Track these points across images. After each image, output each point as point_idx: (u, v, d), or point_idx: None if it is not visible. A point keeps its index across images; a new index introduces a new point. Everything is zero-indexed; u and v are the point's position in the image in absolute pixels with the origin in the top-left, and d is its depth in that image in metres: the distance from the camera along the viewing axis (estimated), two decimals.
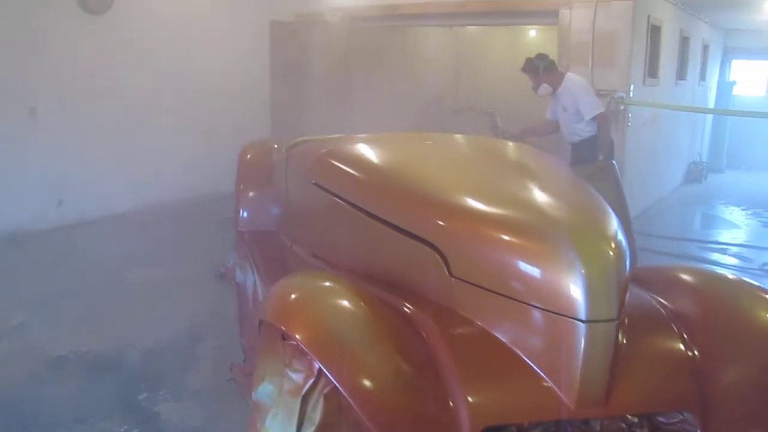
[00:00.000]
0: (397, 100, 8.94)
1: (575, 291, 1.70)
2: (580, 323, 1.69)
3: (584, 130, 4.91)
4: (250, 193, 4.58)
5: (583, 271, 1.70)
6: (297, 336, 1.70)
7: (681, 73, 8.46)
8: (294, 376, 1.70)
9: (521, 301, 1.80)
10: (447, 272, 1.97)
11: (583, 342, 1.69)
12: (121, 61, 6.22)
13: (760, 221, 7.28)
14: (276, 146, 4.87)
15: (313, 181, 2.93)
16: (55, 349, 3.40)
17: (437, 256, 1.99)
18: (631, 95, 6.32)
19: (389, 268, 2.23)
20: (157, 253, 5.20)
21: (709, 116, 10.31)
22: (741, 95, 10.83)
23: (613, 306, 1.73)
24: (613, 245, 1.79)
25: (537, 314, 1.77)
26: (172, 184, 6.79)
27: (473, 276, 1.91)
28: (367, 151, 2.94)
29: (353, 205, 2.45)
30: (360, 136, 3.64)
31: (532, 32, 11.14)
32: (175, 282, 4.55)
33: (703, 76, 9.86)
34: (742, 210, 7.81)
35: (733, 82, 10.69)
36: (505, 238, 1.86)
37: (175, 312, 4.01)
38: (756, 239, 6.52)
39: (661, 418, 1.92)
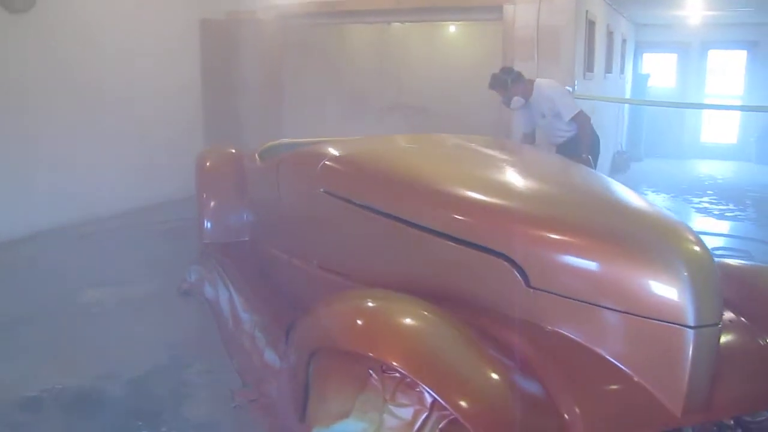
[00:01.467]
0: (329, 99, 8.77)
1: (682, 297, 1.63)
2: (689, 330, 1.63)
3: (567, 131, 4.88)
4: (215, 203, 4.33)
5: (688, 276, 1.64)
6: (404, 367, 1.53)
7: (608, 67, 8.77)
8: (400, 411, 1.54)
9: (620, 311, 1.71)
10: (524, 284, 1.86)
11: (691, 348, 1.63)
12: (44, 63, 5.69)
13: (693, 207, 7.62)
14: (234, 152, 4.63)
15: (322, 190, 2.74)
16: (22, 388, 3.02)
17: (512, 267, 1.88)
18: (575, 89, 6.44)
19: (443, 282, 2.09)
20: (105, 269, 4.79)
21: (626, 107, 10.75)
22: (654, 87, 11.36)
23: (716, 310, 1.68)
24: (706, 249, 1.74)
25: (639, 323, 1.69)
26: (105, 195, 6.31)
27: (560, 287, 1.81)
28: (391, 157, 2.77)
29: (392, 216, 2.28)
30: (354, 138, 3.46)
31: (452, 28, 11.28)
32: (134, 301, 4.20)
33: (622, 69, 10.27)
34: (673, 197, 8.16)
35: (648, 75, 11.19)
36: (600, 246, 1.77)
37: (146, 335, 3.68)
38: (696, 226, 6.81)
39: (747, 417, 1.90)
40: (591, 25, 7.05)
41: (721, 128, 11.77)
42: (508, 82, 4.86)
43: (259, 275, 3.71)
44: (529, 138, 5.23)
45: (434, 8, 6.67)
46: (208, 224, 4.30)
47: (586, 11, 6.74)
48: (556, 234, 1.85)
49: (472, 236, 1.98)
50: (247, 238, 4.32)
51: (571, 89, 6.34)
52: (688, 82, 11.50)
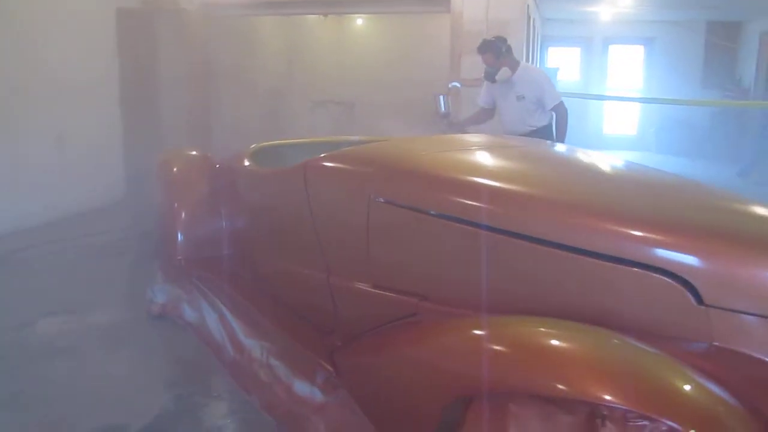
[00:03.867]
0: (253, 96, 8.30)
1: None
2: None
3: (540, 120, 4.82)
4: (189, 214, 3.87)
5: None
6: (642, 408, 1.32)
7: (529, 60, 8.88)
8: None
9: None
10: (695, 302, 1.68)
11: None
12: None
13: None
14: (202, 155, 4.16)
15: (381, 199, 2.43)
16: None
17: (679, 285, 1.70)
18: None
19: (579, 304, 1.87)
20: (53, 293, 4.17)
21: None
22: (562, 80, 11.73)
23: None
24: None
25: None
26: (24, 204, 5.54)
27: (737, 302, 1.66)
28: (465, 161, 2.50)
29: (506, 232, 2.02)
30: (387, 139, 3.13)
31: (359, 20, 11.07)
32: (102, 331, 3.65)
33: (534, 63, 10.49)
34: None
35: (557, 68, 11.53)
36: None
37: (133, 372, 3.19)
38: None
39: None
40: (528, 19, 7.08)
41: (622, 120, 12.36)
42: (502, 50, 4.71)
43: (259, 295, 3.33)
44: (488, 113, 5.11)
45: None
46: (181, 238, 3.83)
47: (527, 5, 6.75)
48: (727, 246, 1.70)
49: (629, 254, 1.77)
50: (226, 252, 3.90)
51: None
52: (591, 76, 11.97)
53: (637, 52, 12.03)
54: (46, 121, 5.80)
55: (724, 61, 11.33)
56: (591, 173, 2.51)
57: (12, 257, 4.89)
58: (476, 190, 2.22)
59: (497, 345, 1.65)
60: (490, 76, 4.83)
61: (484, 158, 2.66)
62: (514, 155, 2.75)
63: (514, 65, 4.82)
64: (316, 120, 8.68)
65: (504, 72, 4.76)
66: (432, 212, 2.27)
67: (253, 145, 3.78)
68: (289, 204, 2.98)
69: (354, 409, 2.39)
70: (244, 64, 8.23)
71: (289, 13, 7.84)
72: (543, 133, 4.82)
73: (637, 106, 11.91)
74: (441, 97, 4.86)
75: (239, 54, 8.10)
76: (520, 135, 4.72)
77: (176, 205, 3.86)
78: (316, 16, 9.66)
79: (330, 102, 9.07)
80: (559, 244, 1.89)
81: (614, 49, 12.14)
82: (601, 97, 11.62)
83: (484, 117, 5.12)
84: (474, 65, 6.14)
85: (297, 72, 9.50)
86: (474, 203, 2.18)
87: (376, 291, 2.50)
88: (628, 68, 12.14)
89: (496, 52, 4.71)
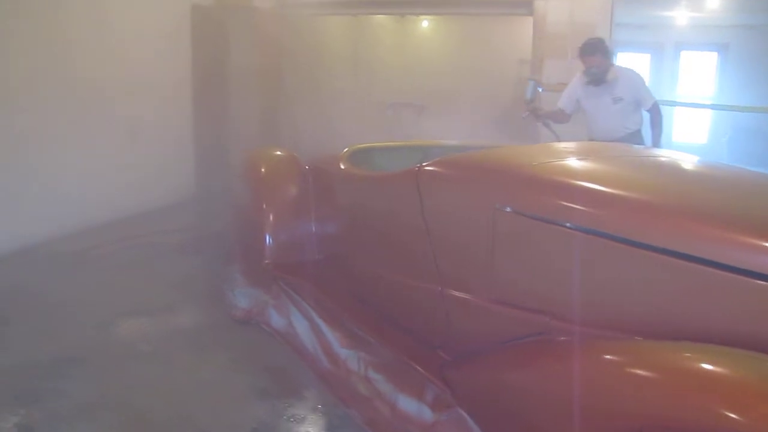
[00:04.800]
0: (323, 96, 8.20)
1: None
2: None
3: (635, 122, 4.63)
4: (278, 216, 3.74)
5: None
6: None
7: None
8: None
9: None
10: None
11: None
12: (28, 60, 4.88)
13: None
14: (292, 155, 4.04)
15: (508, 209, 2.25)
16: None
17: None
18: None
19: (720, 325, 1.70)
20: (129, 293, 4.10)
21: None
22: None
23: None
24: None
25: None
26: (97, 202, 5.51)
27: None
28: (606, 173, 2.32)
29: (651, 248, 1.85)
30: (512, 147, 2.95)
31: (425, 23, 10.91)
32: (185, 333, 3.56)
33: None
34: None
35: None
36: None
37: (224, 379, 3.07)
38: None
39: None
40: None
41: (692, 128, 11.91)
42: (609, 52, 4.51)
43: (354, 303, 3.18)
44: (565, 117, 4.84)
45: (459, 0, 6.24)
46: (269, 241, 3.71)
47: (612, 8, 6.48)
48: None
49: None
50: (316, 258, 3.77)
51: None
52: (661, 83, 11.55)
53: (710, 58, 11.56)
54: (119, 117, 5.76)
55: None
56: (714, 182, 2.36)
57: (86, 255, 4.85)
58: (617, 202, 2.05)
59: (668, 374, 1.49)
60: (598, 79, 4.57)
61: (614, 168, 2.47)
62: (638, 164, 2.57)
63: (612, 66, 4.62)
64: (385, 121, 8.53)
65: (612, 73, 4.54)
66: (568, 225, 2.08)
67: (347, 147, 3.63)
68: (397, 210, 2.82)
69: (471, 429, 2.23)
70: (313, 64, 8.13)
71: (367, 13, 7.74)
72: (636, 136, 4.62)
73: (708, 114, 11.46)
74: (531, 83, 4.73)
75: (308, 54, 8.01)
76: (615, 139, 4.49)
77: (265, 206, 3.75)
78: (384, 16, 9.56)
79: (400, 104, 8.91)
80: (708, 261, 1.72)
81: (686, 55, 11.69)
82: (672, 103, 11.21)
83: (561, 119, 4.87)
84: (556, 69, 5.94)
85: (364, 73, 9.38)
86: (616, 216, 2.00)
87: (498, 306, 2.32)
88: (700, 75, 11.68)
89: (606, 52, 4.50)
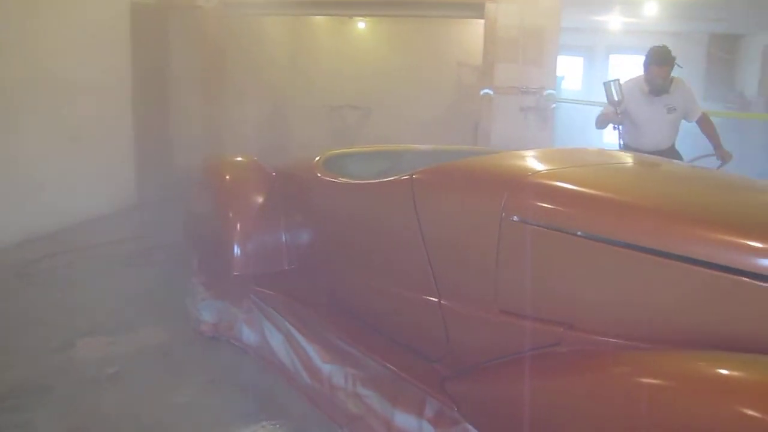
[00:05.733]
0: (263, 99, 8.01)
1: None
2: None
3: (676, 135, 4.50)
4: (246, 226, 3.58)
5: None
6: None
7: None
8: None
9: None
10: None
11: None
12: None
13: None
14: (256, 161, 3.88)
15: (516, 218, 2.20)
16: None
17: None
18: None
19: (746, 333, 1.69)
20: (83, 309, 3.83)
21: None
22: (566, 88, 11.67)
23: None
24: None
25: None
26: (39, 209, 5.15)
27: None
28: (618, 179, 2.30)
29: (668, 255, 1.83)
30: (517, 152, 2.86)
31: (361, 24, 10.84)
32: (151, 352, 3.34)
33: None
34: None
35: (561, 77, 11.44)
36: None
37: (202, 400, 2.90)
38: None
39: None
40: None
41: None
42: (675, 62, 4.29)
43: (334, 315, 3.06)
44: (612, 119, 4.46)
45: (406, 2, 6.18)
46: (238, 252, 3.54)
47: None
48: None
49: None
50: (287, 268, 3.62)
51: (554, 92, 6.19)
52: (593, 85, 11.91)
53: (639, 62, 11.98)
54: (58, 119, 5.41)
55: (724, 74, 11.38)
56: (725, 188, 2.37)
57: (31, 269, 4.52)
58: (633, 210, 2.03)
59: (697, 384, 1.47)
60: (662, 90, 4.37)
61: (622, 174, 2.47)
62: (643, 171, 2.58)
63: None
64: (332, 125, 8.43)
65: (675, 84, 4.38)
66: (580, 233, 2.05)
67: (319, 154, 3.51)
68: (388, 219, 2.72)
69: None
70: (253, 66, 7.92)
71: (314, 14, 7.57)
72: (673, 151, 4.49)
73: None
74: (612, 84, 4.31)
75: (248, 55, 7.80)
76: (660, 151, 4.33)
77: (231, 215, 3.58)
78: (322, 17, 9.43)
79: (346, 107, 8.79)
80: (724, 267, 1.71)
81: (616, 59, 12.11)
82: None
83: (608, 123, 4.57)
84: (508, 73, 5.99)
85: (302, 76, 9.23)
86: (632, 223, 1.98)
87: (505, 317, 2.26)
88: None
89: (673, 65, 4.31)
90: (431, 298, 2.50)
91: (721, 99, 11.14)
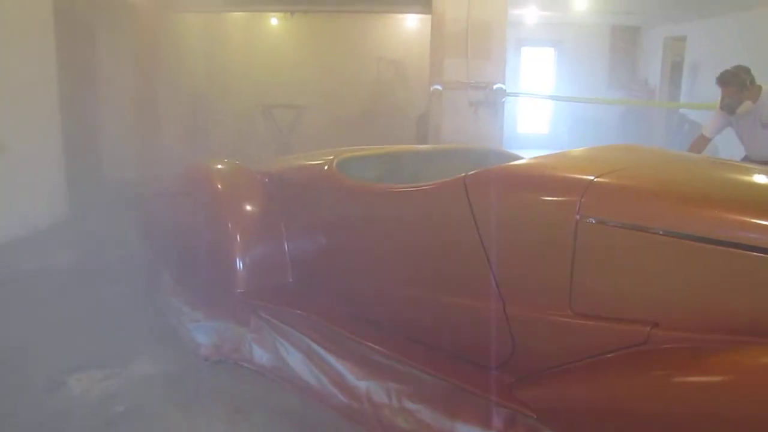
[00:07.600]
0: (193, 98, 7.62)
1: None
2: None
3: None
4: (249, 239, 3.35)
5: None
6: None
7: None
8: None
9: None
10: None
11: None
12: None
13: None
14: (233, 165, 3.66)
15: (593, 220, 2.17)
16: None
17: None
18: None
19: None
20: (62, 343, 3.45)
21: None
22: None
23: None
24: None
25: None
26: None
27: None
28: (692, 176, 2.30)
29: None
30: (574, 153, 2.81)
31: (273, 20, 10.57)
32: (157, 383, 3.05)
33: None
34: None
35: None
36: None
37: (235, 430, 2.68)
38: None
39: None
40: None
41: (534, 120, 12.73)
42: (747, 83, 4.30)
43: (366, 327, 2.91)
44: (703, 143, 4.64)
45: None
46: (241, 266, 3.30)
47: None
48: None
49: None
50: (291, 280, 3.42)
51: (503, 87, 6.25)
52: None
53: (548, 54, 12.43)
54: None
55: (627, 64, 12.00)
56: None
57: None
58: (713, 205, 2.04)
59: None
60: (730, 109, 4.42)
61: (695, 170, 2.49)
62: (711, 167, 2.61)
63: (756, 93, 4.39)
64: (260, 124, 8.12)
65: (746, 106, 4.35)
66: (663, 231, 2.05)
67: (324, 158, 3.32)
68: (438, 225, 2.61)
69: None
70: (173, 65, 7.51)
71: (254, 10, 7.23)
72: None
73: (549, 106, 12.32)
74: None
75: (173, 53, 7.37)
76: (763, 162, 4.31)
77: (230, 226, 3.33)
78: (240, 14, 9.08)
79: (279, 106, 8.50)
80: None
81: (527, 51, 12.46)
82: (516, 94, 11.88)
83: (703, 146, 4.69)
84: (455, 67, 5.99)
85: (220, 74, 8.86)
86: (715, 218, 2.00)
87: (582, 320, 2.23)
88: (540, 70, 12.52)
89: (740, 85, 4.31)
90: (494, 304, 2.43)
91: (625, 87, 11.77)
